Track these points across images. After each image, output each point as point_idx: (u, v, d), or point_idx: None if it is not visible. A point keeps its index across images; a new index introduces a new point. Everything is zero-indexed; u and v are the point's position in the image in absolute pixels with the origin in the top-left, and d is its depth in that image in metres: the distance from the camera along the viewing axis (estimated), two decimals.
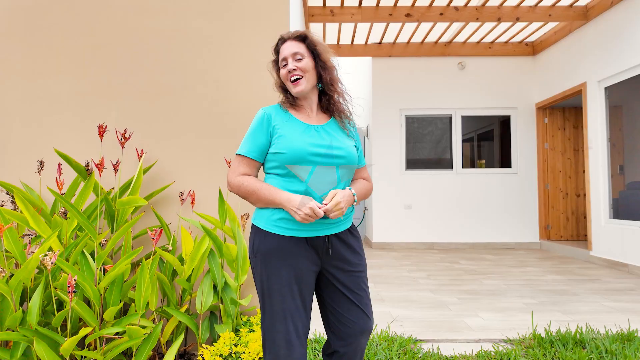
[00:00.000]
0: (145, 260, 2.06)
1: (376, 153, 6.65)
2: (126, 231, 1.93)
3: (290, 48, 1.43)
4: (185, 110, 2.59)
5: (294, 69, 1.41)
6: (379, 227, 6.57)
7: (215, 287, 2.33)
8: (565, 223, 6.40)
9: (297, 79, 1.41)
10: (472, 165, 6.77)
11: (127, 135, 2.28)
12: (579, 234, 6.38)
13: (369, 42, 6.59)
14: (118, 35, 2.63)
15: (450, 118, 6.72)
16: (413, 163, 6.70)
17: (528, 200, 6.50)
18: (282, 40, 1.48)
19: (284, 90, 1.50)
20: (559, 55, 5.95)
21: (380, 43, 6.60)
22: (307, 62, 1.43)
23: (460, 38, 6.42)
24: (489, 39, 6.43)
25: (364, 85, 7.44)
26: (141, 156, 2.39)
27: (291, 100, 1.47)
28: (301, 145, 1.35)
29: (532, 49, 6.57)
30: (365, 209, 7.43)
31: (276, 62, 1.51)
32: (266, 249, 1.35)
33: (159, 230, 1.74)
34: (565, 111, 6.49)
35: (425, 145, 6.76)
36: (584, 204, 6.40)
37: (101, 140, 2.35)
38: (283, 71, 1.45)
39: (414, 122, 6.76)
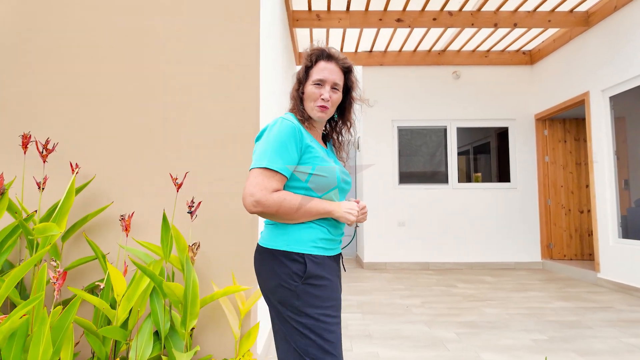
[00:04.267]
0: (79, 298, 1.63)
1: (366, 164, 6.26)
2: (30, 267, 1.50)
3: (334, 74, 1.37)
4: (129, 119, 2.18)
5: (328, 100, 1.35)
6: (371, 246, 6.15)
7: (158, 333, 1.89)
8: (569, 241, 6.01)
9: (325, 108, 1.36)
10: (469, 180, 6.40)
11: (49, 147, 1.87)
12: (584, 252, 5.98)
13: (359, 50, 6.26)
14: (48, 32, 2.23)
15: (445, 130, 6.37)
16: (406, 177, 6.31)
17: (528, 217, 6.12)
18: (327, 56, 1.39)
19: (300, 101, 1.40)
20: (559, 63, 5.64)
21: (370, 51, 6.28)
22: (339, 97, 1.39)
23: (454, 46, 6.11)
24: (484, 47, 6.12)
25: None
26: (75, 171, 1.98)
27: (307, 117, 1.39)
28: (334, 169, 1.33)
29: (530, 57, 6.27)
30: (357, 226, 7.00)
31: (306, 71, 1.40)
32: (316, 272, 1.26)
33: (63, 273, 1.31)
34: (565, 123, 6.16)
35: (419, 159, 6.38)
36: (588, 221, 6.02)
37: (25, 152, 1.93)
38: (314, 90, 1.36)
39: (406, 134, 6.40)
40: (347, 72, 1.42)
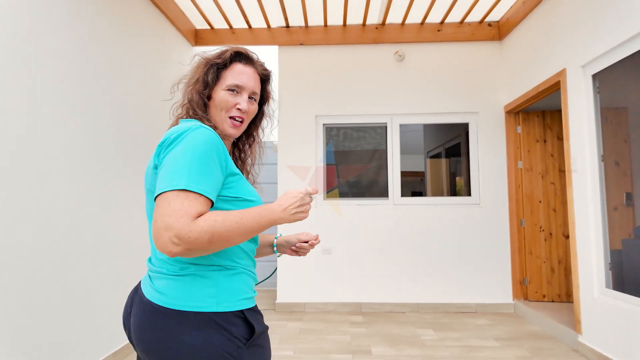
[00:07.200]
0: None
1: (284, 176, 4.83)
2: None
3: (254, 82, 1.13)
4: None
5: (245, 111, 1.11)
6: (286, 281, 4.70)
7: None
8: (550, 276, 4.45)
9: (240, 122, 1.12)
10: (453, 190, 4.89)
11: None
12: (569, 292, 4.41)
13: (272, 26, 4.84)
14: None
15: (386, 127, 4.88)
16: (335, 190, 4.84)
17: (496, 243, 4.57)
18: (245, 58, 1.14)
19: (203, 108, 1.09)
20: (533, 34, 4.10)
21: (287, 26, 4.84)
22: (255, 109, 1.16)
23: (396, 17, 4.62)
24: (436, 17, 4.62)
25: None
26: None
27: (215, 129, 1.08)
28: (257, 192, 1.10)
29: (498, 30, 4.74)
30: (278, 255, 5.55)
31: (211, 72, 1.10)
32: (261, 328, 0.98)
33: None
34: (545, 116, 4.61)
35: (352, 166, 4.90)
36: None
37: None
38: (227, 97, 1.09)
39: (333, 132, 4.93)
40: (265, 81, 1.21)
